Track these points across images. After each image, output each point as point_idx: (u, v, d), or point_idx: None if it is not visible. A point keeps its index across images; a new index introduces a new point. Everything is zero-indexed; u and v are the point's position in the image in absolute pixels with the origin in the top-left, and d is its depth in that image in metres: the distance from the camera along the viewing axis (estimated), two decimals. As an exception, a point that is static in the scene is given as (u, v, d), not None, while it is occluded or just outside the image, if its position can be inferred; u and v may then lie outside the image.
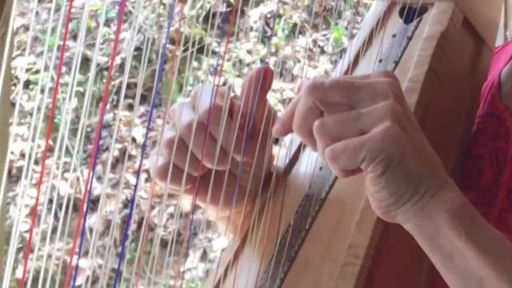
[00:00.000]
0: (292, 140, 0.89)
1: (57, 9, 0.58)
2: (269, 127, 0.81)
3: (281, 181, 0.86)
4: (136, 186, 0.74)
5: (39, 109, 0.60)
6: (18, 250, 0.61)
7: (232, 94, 0.84)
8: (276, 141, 0.89)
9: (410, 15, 0.97)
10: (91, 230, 3.37)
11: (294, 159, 0.89)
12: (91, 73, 0.65)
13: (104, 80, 4.07)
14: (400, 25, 0.97)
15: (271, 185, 0.85)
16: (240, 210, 0.84)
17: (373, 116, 0.63)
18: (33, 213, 0.65)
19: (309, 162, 0.86)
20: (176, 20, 0.73)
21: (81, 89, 3.61)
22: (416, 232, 0.66)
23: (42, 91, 0.61)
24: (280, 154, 0.91)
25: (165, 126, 0.82)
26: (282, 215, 0.82)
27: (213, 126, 0.78)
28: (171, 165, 0.77)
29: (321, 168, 0.86)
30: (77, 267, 0.62)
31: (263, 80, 0.80)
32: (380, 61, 0.93)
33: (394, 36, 0.96)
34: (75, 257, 0.64)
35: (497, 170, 0.86)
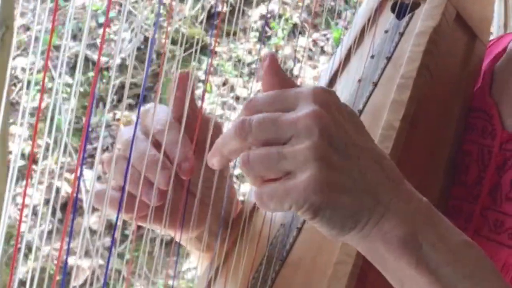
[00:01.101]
0: None
1: (57, 9, 0.58)
2: (207, 137, 0.78)
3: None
4: (124, 186, 0.73)
5: (35, 109, 0.59)
6: (18, 250, 0.61)
7: (232, 94, 0.83)
8: None
9: (402, 10, 0.96)
10: (91, 230, 3.37)
11: None
12: (78, 73, 0.65)
13: (104, 80, 4.08)
14: (392, 21, 0.97)
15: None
16: (207, 228, 0.82)
17: (295, 159, 0.61)
18: (21, 212, 0.64)
19: None
20: (176, 20, 0.72)
21: (81, 89, 3.62)
22: (367, 256, 0.66)
23: (40, 91, 0.61)
24: None
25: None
26: (274, 214, 0.82)
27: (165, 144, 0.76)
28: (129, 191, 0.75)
29: None
30: (66, 266, 0.62)
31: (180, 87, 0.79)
32: (372, 57, 0.93)
33: (386, 31, 0.95)
34: (75, 257, 0.63)
35: (482, 167, 0.86)
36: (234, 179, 0.88)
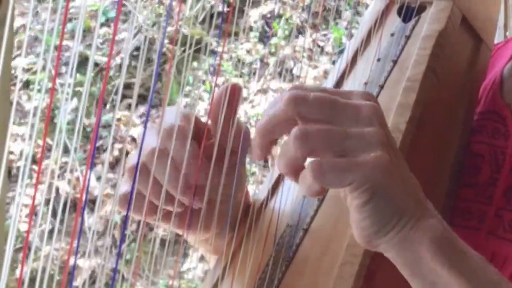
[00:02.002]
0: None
1: (56, 10, 0.58)
2: (239, 145, 0.76)
3: (279, 184, 0.86)
4: (133, 186, 0.73)
5: (39, 109, 0.59)
6: (18, 250, 0.61)
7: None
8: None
9: (408, 14, 0.97)
10: (91, 230, 3.37)
11: None
12: (88, 73, 0.65)
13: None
14: (399, 24, 0.97)
15: (268, 193, 0.84)
16: (219, 232, 0.82)
17: (362, 140, 0.61)
18: (30, 212, 0.64)
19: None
20: (177, 20, 0.72)
21: (81, 89, 3.60)
22: (399, 262, 0.65)
23: (40, 90, 0.61)
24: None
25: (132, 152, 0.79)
26: (280, 215, 0.82)
27: (176, 152, 0.74)
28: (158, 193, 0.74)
29: None
30: (74, 266, 0.62)
31: (231, 97, 0.76)
32: (379, 60, 0.93)
33: (392, 35, 0.96)
34: (75, 257, 0.63)
35: (496, 168, 0.86)
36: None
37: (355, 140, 0.61)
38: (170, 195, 0.75)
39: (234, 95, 0.76)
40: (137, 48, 4.03)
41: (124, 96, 4.00)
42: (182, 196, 0.74)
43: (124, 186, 0.75)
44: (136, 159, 0.72)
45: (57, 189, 3.02)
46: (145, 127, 0.74)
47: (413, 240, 0.63)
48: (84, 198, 0.64)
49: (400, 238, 0.64)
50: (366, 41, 0.95)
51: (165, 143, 0.74)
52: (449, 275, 0.62)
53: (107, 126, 4.00)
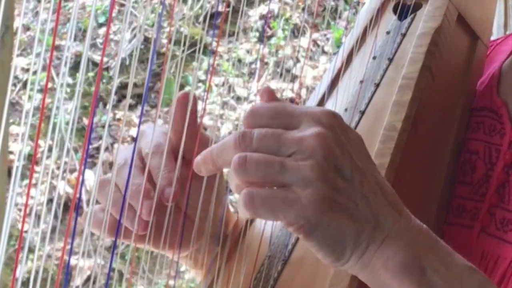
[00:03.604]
0: None
1: (55, 10, 0.58)
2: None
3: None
4: (127, 185, 0.73)
5: (39, 109, 0.59)
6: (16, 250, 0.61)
7: (232, 94, 0.83)
8: None
9: (404, 11, 0.96)
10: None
11: None
12: (81, 73, 0.65)
13: (104, 80, 4.07)
14: (394, 22, 0.97)
15: None
16: (198, 248, 0.82)
17: (298, 174, 0.60)
18: (24, 213, 0.64)
19: None
20: (176, 20, 0.72)
21: (80, 89, 3.60)
22: (369, 284, 0.64)
23: (41, 90, 0.61)
24: None
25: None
26: None
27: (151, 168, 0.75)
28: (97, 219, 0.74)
29: None
30: (68, 266, 0.62)
31: (191, 104, 0.76)
32: (374, 58, 0.93)
33: (388, 33, 0.95)
34: (74, 256, 0.63)
35: (490, 165, 0.86)
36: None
37: (292, 174, 0.60)
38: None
39: (192, 106, 0.76)
40: (137, 48, 4.04)
41: (123, 96, 4.01)
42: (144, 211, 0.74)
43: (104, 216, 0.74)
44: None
45: (57, 189, 3.02)
46: (139, 126, 0.74)
47: (377, 267, 0.62)
48: (78, 197, 0.64)
49: (362, 265, 0.62)
50: (362, 39, 0.95)
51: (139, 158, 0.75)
52: None
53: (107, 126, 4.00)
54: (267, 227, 0.82)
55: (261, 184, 0.61)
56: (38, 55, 0.59)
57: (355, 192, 0.62)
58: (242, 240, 0.81)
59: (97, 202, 0.77)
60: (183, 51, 0.74)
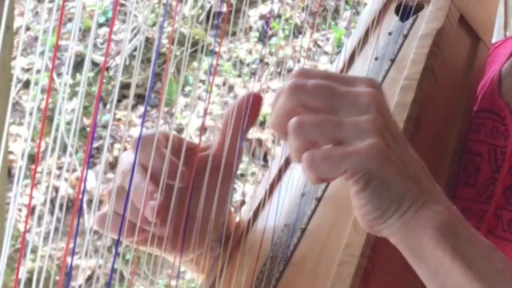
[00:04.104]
0: (284, 144, 0.88)
1: (57, 9, 0.58)
2: (233, 158, 0.79)
3: (276, 183, 0.86)
4: (130, 186, 0.73)
5: (39, 109, 0.59)
6: (17, 250, 0.61)
7: (231, 94, 0.83)
8: (264, 157, 0.87)
9: (406, 12, 0.96)
10: (91, 230, 3.36)
11: (289, 160, 0.88)
12: (84, 73, 0.65)
13: (104, 80, 4.07)
14: (396, 23, 0.97)
15: (265, 193, 0.85)
16: (202, 253, 0.82)
17: (356, 128, 0.62)
18: (28, 211, 0.64)
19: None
20: (176, 20, 0.72)
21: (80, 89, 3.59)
22: (402, 247, 0.66)
23: (42, 90, 0.61)
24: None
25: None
26: (278, 215, 0.82)
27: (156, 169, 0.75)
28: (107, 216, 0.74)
29: None
30: (71, 266, 0.62)
31: (250, 109, 0.78)
32: (376, 59, 0.93)
33: (390, 34, 0.95)
34: (75, 257, 0.63)
35: (495, 167, 0.86)
36: (236, 180, 0.87)
37: (349, 129, 0.62)
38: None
39: (254, 106, 0.78)
40: (137, 48, 4.04)
41: (124, 96, 4.00)
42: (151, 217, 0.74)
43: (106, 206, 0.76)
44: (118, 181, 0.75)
45: (57, 189, 3.02)
46: (141, 127, 0.74)
47: (415, 227, 0.64)
48: (80, 198, 0.64)
49: (402, 224, 0.64)
50: (364, 40, 0.95)
51: (143, 158, 0.75)
52: (451, 263, 0.63)
53: (107, 126, 4.00)
54: (269, 228, 0.82)
55: (320, 144, 0.62)
56: (41, 53, 0.59)
57: (404, 154, 0.64)
58: (244, 241, 0.82)
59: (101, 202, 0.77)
60: (183, 51, 0.74)
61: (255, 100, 0.78)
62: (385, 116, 0.64)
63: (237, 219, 0.87)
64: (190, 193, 0.77)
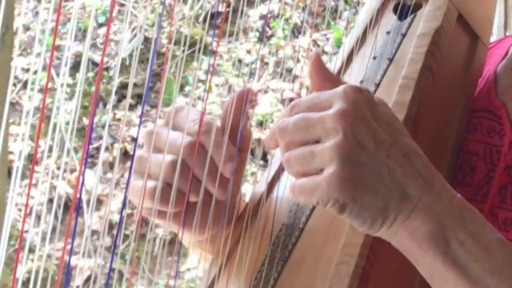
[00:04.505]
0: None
1: (55, 10, 0.58)
2: (247, 145, 0.84)
3: (275, 182, 0.86)
4: (127, 186, 0.73)
5: (39, 109, 0.59)
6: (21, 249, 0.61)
7: (232, 94, 0.84)
8: (264, 157, 0.91)
9: (404, 11, 0.96)
10: (91, 230, 3.37)
11: None
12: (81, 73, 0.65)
13: (104, 80, 4.07)
14: (394, 22, 0.96)
15: (264, 191, 0.85)
16: (214, 234, 0.84)
17: (323, 157, 0.64)
18: (25, 211, 0.64)
19: None
20: (177, 20, 0.72)
21: (80, 89, 3.60)
22: (401, 250, 0.67)
23: (41, 90, 0.61)
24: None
25: (143, 149, 0.82)
26: (276, 214, 0.82)
27: (208, 145, 0.79)
28: (174, 187, 0.78)
29: None
30: (68, 265, 0.62)
31: (247, 100, 0.82)
32: (374, 58, 0.93)
33: (388, 33, 0.95)
34: (75, 257, 0.63)
35: (491, 166, 0.86)
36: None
37: (318, 159, 0.65)
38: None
39: (249, 100, 0.82)
40: (136, 48, 4.03)
41: (124, 96, 4.00)
42: (218, 189, 0.79)
43: (152, 183, 0.78)
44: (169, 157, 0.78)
45: (55, 189, 3.02)
46: (139, 126, 0.74)
47: (404, 237, 0.65)
48: (79, 198, 0.64)
49: (391, 233, 0.66)
50: (362, 39, 0.95)
51: (194, 137, 0.79)
52: (443, 269, 0.64)
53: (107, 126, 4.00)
54: (268, 228, 0.82)
55: (307, 173, 0.66)
56: (38, 55, 0.59)
57: (380, 165, 0.64)
58: (243, 238, 0.82)
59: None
60: (183, 51, 0.74)
61: (252, 94, 0.82)
62: (355, 132, 0.64)
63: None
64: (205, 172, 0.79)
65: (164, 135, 0.79)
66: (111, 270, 0.70)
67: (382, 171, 0.64)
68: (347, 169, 0.63)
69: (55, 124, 0.63)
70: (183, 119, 0.80)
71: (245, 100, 0.82)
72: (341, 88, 0.67)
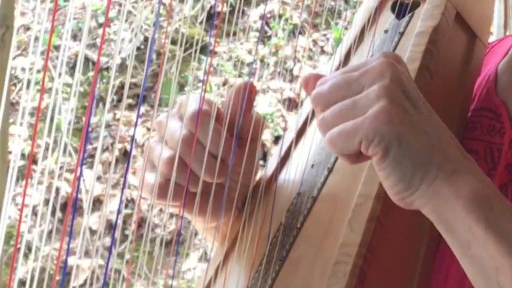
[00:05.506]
0: (282, 139, 0.89)
1: (57, 9, 0.58)
2: (257, 135, 0.82)
3: (272, 181, 0.86)
4: (123, 187, 0.73)
5: (38, 109, 0.59)
6: (18, 250, 0.61)
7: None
8: (264, 157, 0.92)
9: (402, 10, 0.96)
10: (91, 230, 3.37)
11: (286, 157, 0.88)
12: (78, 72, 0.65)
13: (104, 80, 4.08)
14: (392, 21, 0.96)
15: (261, 188, 0.84)
16: (228, 220, 0.84)
17: (367, 99, 0.62)
18: (21, 211, 0.64)
19: (301, 159, 0.86)
20: (176, 20, 0.72)
21: (80, 89, 3.61)
22: (434, 218, 0.64)
23: (40, 90, 0.61)
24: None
25: (152, 139, 0.82)
26: (273, 214, 0.82)
27: (204, 135, 0.79)
28: (172, 183, 0.77)
29: (312, 166, 0.85)
30: (66, 266, 0.62)
31: (248, 92, 0.81)
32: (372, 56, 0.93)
33: (386, 31, 0.95)
34: (75, 257, 0.63)
35: (492, 165, 0.86)
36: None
37: (362, 102, 0.62)
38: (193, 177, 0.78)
39: (251, 91, 0.82)
40: (138, 48, 4.04)
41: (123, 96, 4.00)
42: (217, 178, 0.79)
43: (154, 178, 0.78)
44: (165, 149, 0.78)
45: (57, 189, 3.02)
46: (135, 126, 0.74)
47: (447, 196, 0.62)
48: (75, 197, 0.64)
49: (432, 192, 0.62)
50: (360, 37, 0.95)
51: (191, 128, 0.78)
52: (485, 236, 0.61)
53: (107, 126, 4.00)
54: (265, 227, 0.82)
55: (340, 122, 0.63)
56: (36, 54, 0.59)
57: (425, 120, 0.63)
58: (241, 238, 0.82)
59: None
60: (184, 50, 0.74)
61: (251, 88, 0.82)
62: (400, 82, 0.63)
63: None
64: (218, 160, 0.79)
65: (170, 127, 0.80)
66: (111, 270, 0.70)
67: (426, 126, 0.63)
68: (396, 107, 0.61)
69: (54, 124, 0.63)
70: (187, 108, 0.80)
71: (247, 90, 0.81)
72: (376, 55, 0.66)
